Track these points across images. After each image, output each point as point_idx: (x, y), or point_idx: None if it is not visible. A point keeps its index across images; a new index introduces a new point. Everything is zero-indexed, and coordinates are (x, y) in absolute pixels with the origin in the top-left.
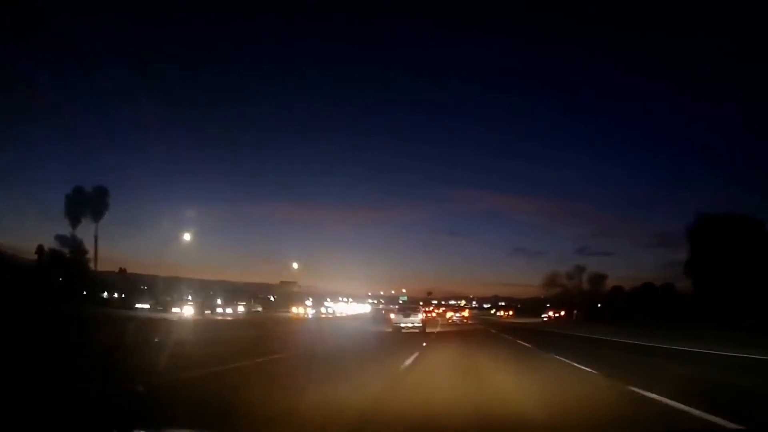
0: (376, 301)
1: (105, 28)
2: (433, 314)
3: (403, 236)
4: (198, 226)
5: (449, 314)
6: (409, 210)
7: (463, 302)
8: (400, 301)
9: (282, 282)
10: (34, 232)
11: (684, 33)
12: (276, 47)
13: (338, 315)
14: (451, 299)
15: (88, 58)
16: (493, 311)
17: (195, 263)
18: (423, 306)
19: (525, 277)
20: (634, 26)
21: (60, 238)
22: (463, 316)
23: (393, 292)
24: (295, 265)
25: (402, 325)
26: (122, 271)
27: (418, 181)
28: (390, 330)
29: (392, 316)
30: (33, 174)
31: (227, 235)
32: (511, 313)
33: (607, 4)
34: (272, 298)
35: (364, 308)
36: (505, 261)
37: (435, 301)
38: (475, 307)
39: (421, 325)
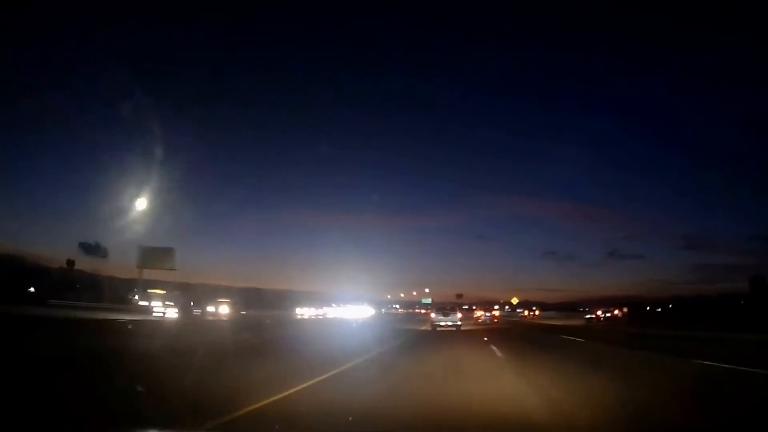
0: (391, 305)
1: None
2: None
3: (431, 242)
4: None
5: (479, 313)
6: (437, 216)
7: (515, 301)
8: (423, 302)
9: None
10: (58, 240)
11: (712, 36)
12: (297, 53)
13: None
14: (481, 303)
15: (111, 68)
16: (525, 312)
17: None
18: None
19: (556, 282)
20: (657, 28)
21: (84, 246)
22: (494, 315)
23: (414, 293)
24: (140, 204)
25: (442, 323)
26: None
27: (447, 187)
28: (428, 328)
29: (432, 315)
30: (56, 180)
31: (261, 243)
32: (537, 313)
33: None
34: None
35: (366, 311)
36: (536, 265)
37: (466, 306)
38: (507, 311)
39: (459, 323)
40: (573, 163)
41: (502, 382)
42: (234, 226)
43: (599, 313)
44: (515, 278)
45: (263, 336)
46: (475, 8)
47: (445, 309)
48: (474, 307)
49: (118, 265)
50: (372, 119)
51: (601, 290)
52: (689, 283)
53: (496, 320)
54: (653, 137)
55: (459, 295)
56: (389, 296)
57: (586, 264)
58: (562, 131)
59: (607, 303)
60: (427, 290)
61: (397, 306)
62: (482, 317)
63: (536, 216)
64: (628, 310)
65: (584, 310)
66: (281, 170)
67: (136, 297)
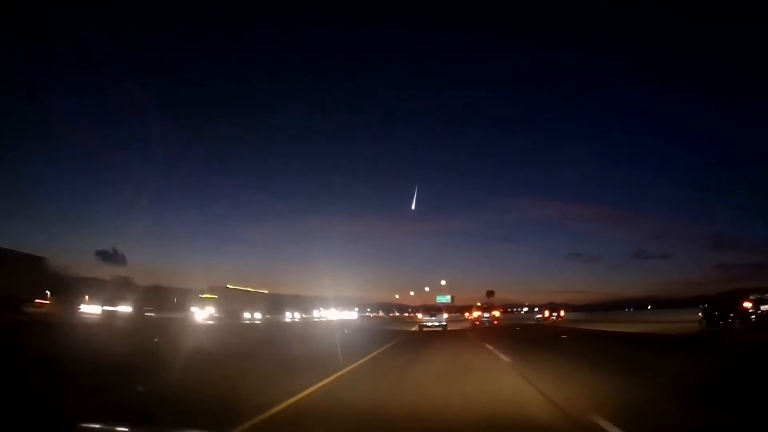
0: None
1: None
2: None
3: (456, 246)
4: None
5: (476, 314)
6: (462, 219)
7: (532, 305)
8: (438, 301)
9: None
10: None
11: (729, 34)
12: (313, 58)
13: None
14: (508, 306)
15: (128, 76)
16: (546, 313)
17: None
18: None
19: (581, 283)
20: (673, 28)
21: (101, 253)
22: (493, 316)
23: (427, 289)
24: None
25: (429, 324)
26: None
27: (472, 192)
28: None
29: (419, 316)
30: (76, 189)
31: (281, 249)
32: (562, 314)
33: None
34: None
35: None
36: (561, 267)
37: (487, 315)
38: (525, 312)
39: (445, 323)
40: (597, 165)
41: None
42: (241, 230)
43: (747, 304)
44: (541, 281)
45: None
46: (492, 16)
47: (431, 310)
48: (440, 309)
49: None
50: (397, 127)
51: (627, 291)
52: (715, 283)
53: (496, 322)
54: (677, 137)
55: (490, 292)
56: (397, 296)
57: (611, 265)
58: (585, 134)
59: (634, 304)
60: (443, 282)
61: (410, 310)
62: (480, 318)
63: (561, 218)
64: None
65: (628, 309)
66: (306, 176)
67: None
